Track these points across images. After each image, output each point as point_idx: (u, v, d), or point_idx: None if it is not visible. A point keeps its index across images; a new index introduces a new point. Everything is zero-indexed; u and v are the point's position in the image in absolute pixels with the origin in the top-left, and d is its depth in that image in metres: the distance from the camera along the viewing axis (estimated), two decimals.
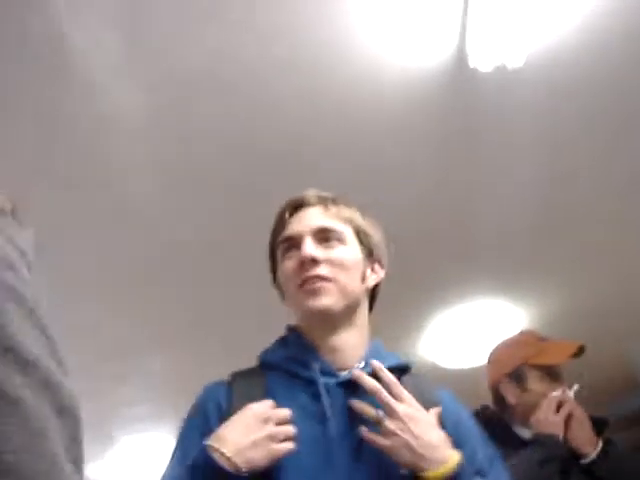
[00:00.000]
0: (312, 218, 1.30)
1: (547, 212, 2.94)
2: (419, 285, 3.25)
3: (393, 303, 3.28)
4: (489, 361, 2.13)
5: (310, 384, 1.19)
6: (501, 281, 3.40)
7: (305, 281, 1.23)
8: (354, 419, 1.15)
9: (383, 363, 1.21)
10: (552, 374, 1.95)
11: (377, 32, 2.01)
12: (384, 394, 1.14)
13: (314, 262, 1.23)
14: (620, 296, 3.65)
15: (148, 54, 1.99)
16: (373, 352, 1.27)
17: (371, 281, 1.32)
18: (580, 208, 2.95)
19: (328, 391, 1.17)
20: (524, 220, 2.93)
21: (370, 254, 1.33)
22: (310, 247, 1.24)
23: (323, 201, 1.33)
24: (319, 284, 1.22)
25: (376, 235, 1.36)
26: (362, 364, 1.23)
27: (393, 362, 1.26)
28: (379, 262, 1.35)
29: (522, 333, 2.19)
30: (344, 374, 1.21)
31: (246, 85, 2.15)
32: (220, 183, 2.52)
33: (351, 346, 1.25)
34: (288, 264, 1.27)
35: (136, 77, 2.05)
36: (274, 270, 1.35)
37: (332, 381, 1.19)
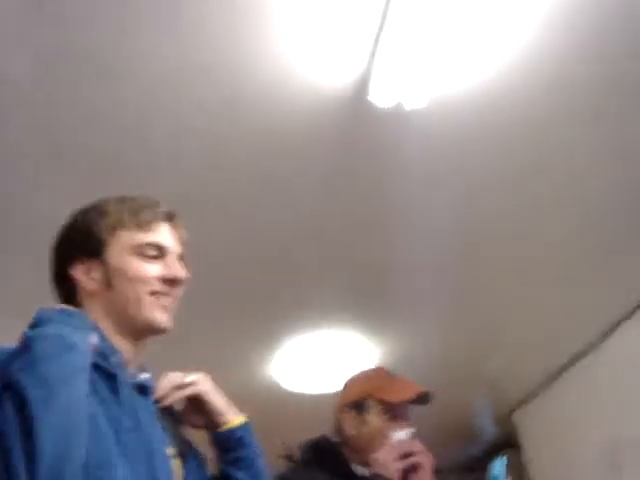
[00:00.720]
0: (177, 241, 1.34)
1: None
2: (278, 307, 3.24)
3: (248, 324, 3.30)
4: (340, 390, 2.13)
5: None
6: (357, 315, 3.43)
7: (163, 295, 1.26)
8: None
9: None
10: (393, 412, 1.94)
11: (285, 45, 1.98)
12: None
13: (178, 283, 1.28)
14: (466, 348, 3.78)
15: None
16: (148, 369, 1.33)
17: None
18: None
19: None
20: (380, 259, 2.98)
21: None
22: (182, 269, 1.30)
23: (182, 227, 1.37)
24: (171, 305, 1.28)
25: None
26: (145, 375, 1.29)
27: None
28: None
29: (375, 368, 2.21)
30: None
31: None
32: None
33: (139, 359, 1.29)
34: (150, 268, 1.27)
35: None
36: (97, 245, 1.27)
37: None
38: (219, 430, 1.35)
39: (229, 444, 1.34)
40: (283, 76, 2.08)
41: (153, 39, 1.92)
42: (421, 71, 2.03)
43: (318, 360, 3.74)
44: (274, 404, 3.98)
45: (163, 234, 1.30)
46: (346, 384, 2.11)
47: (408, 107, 2.11)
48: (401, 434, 1.92)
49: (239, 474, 1.34)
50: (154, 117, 2.19)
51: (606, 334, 3.84)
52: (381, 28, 1.92)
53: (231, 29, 1.91)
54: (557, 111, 2.31)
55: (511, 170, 2.58)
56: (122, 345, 1.22)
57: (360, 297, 3.28)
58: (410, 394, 1.94)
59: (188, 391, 1.32)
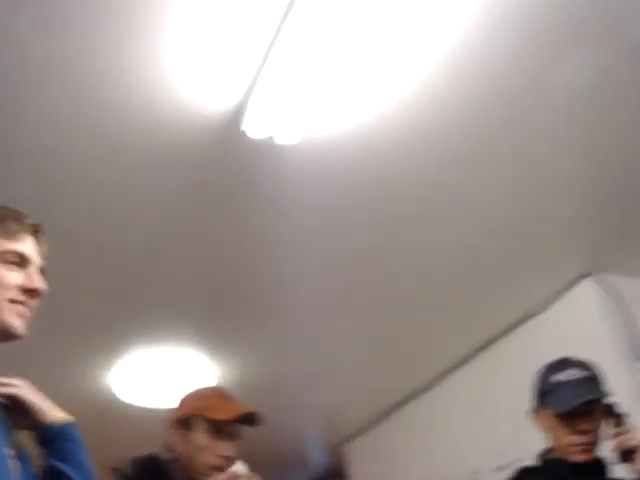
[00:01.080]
0: (39, 254, 1.37)
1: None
2: (119, 322, 3.22)
3: (87, 338, 3.25)
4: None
5: None
6: (199, 334, 3.43)
7: (21, 303, 1.29)
8: None
9: None
10: (218, 431, 1.95)
11: (167, 65, 1.98)
12: None
13: (38, 295, 1.32)
14: (302, 377, 3.89)
15: None
16: None
17: None
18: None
19: None
20: (227, 281, 3.03)
21: None
22: (42, 281, 1.33)
23: (46, 243, 1.41)
24: (27, 314, 1.30)
25: None
26: None
27: None
28: None
29: (212, 387, 2.24)
30: None
31: None
32: None
33: None
34: (11, 275, 1.30)
35: None
36: None
37: None
38: (42, 426, 1.38)
39: (53, 437, 1.38)
40: (160, 95, 2.08)
41: None
42: (297, 107, 2.08)
43: (158, 375, 3.71)
44: (111, 416, 3.93)
45: (27, 245, 1.34)
46: (179, 401, 2.11)
47: (279, 141, 2.16)
48: (240, 467, 1.94)
49: (65, 467, 1.36)
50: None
51: (436, 379, 4.07)
52: (264, 61, 1.96)
53: (110, 43, 1.90)
54: (426, 151, 2.42)
55: (377, 209, 2.69)
56: None
57: (204, 316, 3.29)
58: (236, 413, 1.96)
59: (2, 390, 1.35)
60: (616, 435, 1.98)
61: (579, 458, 1.94)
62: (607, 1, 1.93)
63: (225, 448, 1.93)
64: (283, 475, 5.36)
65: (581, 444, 1.94)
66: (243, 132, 2.15)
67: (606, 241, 3.09)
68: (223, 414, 1.95)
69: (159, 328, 3.35)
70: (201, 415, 1.96)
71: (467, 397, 3.86)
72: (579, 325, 3.25)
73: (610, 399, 2.03)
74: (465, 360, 3.90)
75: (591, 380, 2.01)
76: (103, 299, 3.03)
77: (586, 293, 3.27)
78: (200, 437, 1.94)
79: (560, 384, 2.00)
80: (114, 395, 3.79)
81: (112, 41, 1.89)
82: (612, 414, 2.02)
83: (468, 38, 2.00)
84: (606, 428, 2.00)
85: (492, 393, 3.66)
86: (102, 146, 2.24)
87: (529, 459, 2.11)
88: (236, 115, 2.14)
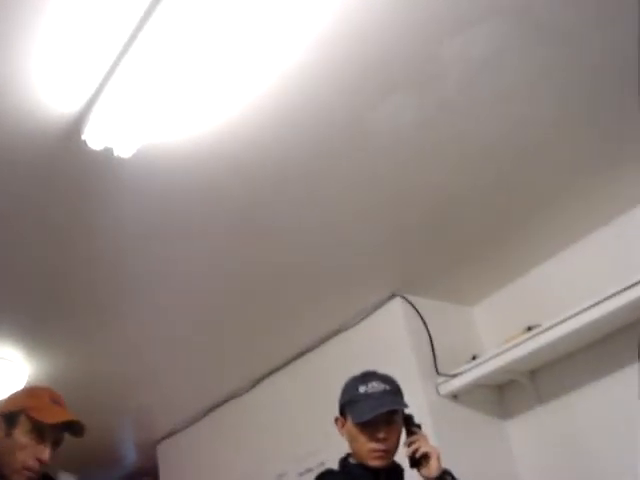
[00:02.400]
0: None
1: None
2: None
3: None
4: None
5: None
6: (14, 332, 3.37)
7: None
8: None
9: None
10: (41, 433, 1.95)
11: (9, 67, 1.96)
12: None
13: None
14: (117, 376, 3.91)
15: None
16: None
17: None
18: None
19: None
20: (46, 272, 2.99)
21: None
22: None
23: None
24: None
25: None
26: None
27: None
28: None
29: (44, 387, 2.21)
30: None
31: None
32: None
33: None
34: None
35: None
36: None
37: None
38: None
39: None
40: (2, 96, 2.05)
41: None
42: (136, 120, 2.12)
43: None
44: None
45: None
46: (9, 395, 2.09)
47: (116, 153, 2.20)
48: (66, 477, 1.97)
49: None
50: None
51: (252, 384, 4.22)
52: (111, 72, 1.99)
53: None
54: (253, 170, 2.52)
55: (218, 221, 2.79)
56: None
57: (21, 316, 3.25)
58: (60, 419, 1.97)
59: None
60: (410, 443, 2.22)
61: (376, 463, 2.13)
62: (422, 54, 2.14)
63: (44, 452, 1.94)
64: (96, 472, 5.32)
65: (378, 450, 2.13)
66: (84, 141, 2.17)
67: (413, 265, 3.38)
68: (50, 418, 1.95)
69: None
70: (28, 414, 1.95)
71: (280, 403, 4.02)
72: (387, 340, 3.50)
73: (406, 411, 2.26)
74: (280, 367, 4.07)
75: (390, 393, 2.20)
76: None
77: (394, 311, 3.53)
78: (22, 435, 1.93)
79: (361, 396, 2.17)
80: None
81: None
82: (408, 424, 2.26)
83: (285, 80, 2.15)
84: (403, 437, 2.24)
85: (304, 400, 3.84)
86: None
87: (335, 464, 2.28)
88: (78, 123, 2.16)
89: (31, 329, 3.38)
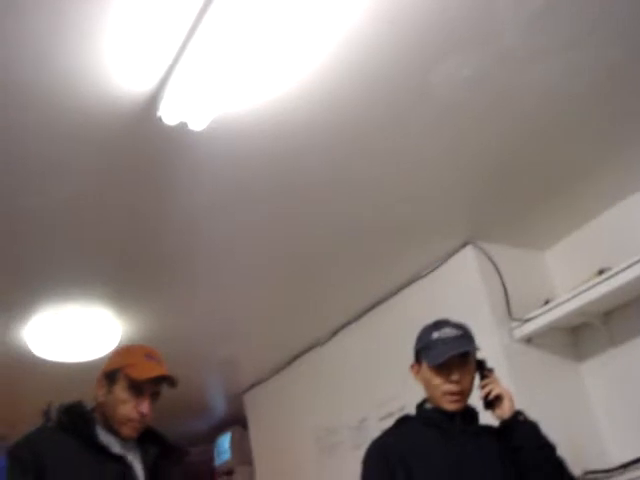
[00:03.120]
0: None
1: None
2: (27, 279, 3.31)
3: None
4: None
5: None
6: (105, 293, 3.58)
7: None
8: None
9: None
10: (137, 388, 2.12)
11: (81, 50, 2.05)
12: None
13: None
14: (203, 328, 4.10)
15: None
16: None
17: None
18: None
19: None
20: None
21: None
22: None
23: None
24: None
25: None
26: None
27: None
28: None
29: (138, 345, 2.38)
30: None
31: None
32: None
33: None
34: None
35: None
36: None
37: None
38: None
39: None
40: (79, 78, 2.15)
41: None
42: (208, 95, 2.21)
43: (67, 331, 3.81)
44: (25, 369, 4.06)
45: None
46: (110, 355, 2.29)
47: (192, 127, 2.30)
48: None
49: None
50: None
51: (331, 334, 4.35)
52: (183, 48, 2.07)
53: (29, 27, 1.94)
54: (326, 132, 2.60)
55: (279, 183, 2.88)
56: None
57: (111, 277, 3.45)
58: (151, 374, 2.12)
59: None
60: (483, 386, 2.32)
61: (451, 406, 2.25)
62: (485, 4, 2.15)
63: (143, 404, 2.12)
64: (189, 422, 5.58)
65: (453, 392, 2.24)
66: (159, 118, 2.27)
67: (485, 213, 3.41)
68: (142, 374, 2.12)
69: (69, 287, 3.46)
70: (124, 372, 2.14)
71: (358, 351, 4.13)
72: (460, 287, 3.56)
73: (478, 356, 2.36)
74: (357, 317, 4.17)
75: (463, 337, 2.30)
76: (16, 259, 3.12)
77: (466, 259, 3.57)
78: (122, 392, 2.13)
79: (435, 341, 2.28)
80: (28, 349, 3.87)
81: (31, 25, 1.94)
82: (481, 368, 2.35)
83: (352, 41, 2.19)
84: (476, 380, 2.32)
85: (382, 348, 3.93)
86: (22, 124, 2.31)
87: (412, 408, 2.40)
88: (153, 101, 2.27)
89: (121, 291, 3.59)
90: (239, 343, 4.36)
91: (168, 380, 2.19)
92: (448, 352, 2.23)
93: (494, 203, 3.33)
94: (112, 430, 2.13)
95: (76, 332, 3.81)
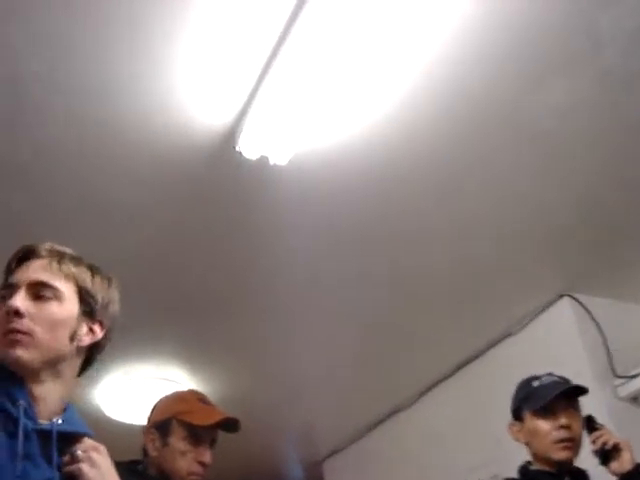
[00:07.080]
0: (33, 271, 1.32)
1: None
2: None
3: None
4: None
5: (8, 419, 1.19)
6: (179, 352, 3.49)
7: (8, 332, 1.25)
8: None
9: (72, 427, 1.32)
10: (195, 436, 1.94)
11: (160, 85, 2.04)
12: None
13: (18, 314, 1.25)
14: (282, 394, 3.95)
15: None
16: (68, 412, 1.33)
17: (84, 341, 1.35)
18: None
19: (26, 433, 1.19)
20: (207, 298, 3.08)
21: (90, 314, 1.36)
22: (19, 299, 1.27)
23: (49, 255, 1.35)
24: (17, 337, 1.25)
25: (103, 296, 1.40)
26: (59, 420, 1.29)
27: (81, 429, 1.35)
28: (100, 323, 1.39)
29: (188, 390, 2.24)
30: (44, 423, 1.25)
31: None
32: None
33: (52, 398, 1.29)
34: (1, 312, 1.29)
35: None
36: None
37: (30, 424, 1.21)
38: None
39: None
40: (158, 113, 2.13)
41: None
42: (289, 128, 2.14)
43: (140, 392, 3.74)
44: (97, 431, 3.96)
45: (17, 273, 1.32)
46: (155, 405, 2.10)
47: (272, 161, 2.22)
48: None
49: None
50: None
51: (417, 395, 4.13)
52: (260, 81, 2.02)
53: (110, 61, 1.95)
54: (419, 162, 2.47)
55: (366, 227, 2.75)
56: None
57: (184, 334, 3.35)
58: (214, 419, 1.96)
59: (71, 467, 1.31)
60: (596, 438, 2.06)
61: (563, 455, 2.00)
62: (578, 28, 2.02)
63: (204, 454, 1.94)
64: None
65: (562, 440, 2.00)
66: (239, 152, 2.20)
67: (580, 265, 3.19)
68: (203, 420, 1.95)
69: (142, 347, 3.39)
70: (178, 419, 1.95)
71: (446, 415, 3.92)
72: (557, 343, 3.33)
73: (584, 412, 2.11)
74: (446, 377, 3.96)
75: (567, 382, 2.11)
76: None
77: (563, 312, 3.36)
78: (179, 442, 1.93)
79: (537, 387, 2.10)
80: (101, 411, 3.81)
81: (112, 59, 1.94)
82: (590, 422, 2.11)
83: (447, 65, 2.08)
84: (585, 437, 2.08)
85: (471, 409, 3.72)
86: (98, 159, 2.29)
87: (511, 472, 2.16)
88: (231, 134, 2.20)
89: (194, 350, 3.49)
90: (320, 405, 4.19)
91: (230, 424, 2.00)
92: (554, 392, 2.04)
93: (589, 254, 3.13)
94: None
95: (147, 393, 3.71)
